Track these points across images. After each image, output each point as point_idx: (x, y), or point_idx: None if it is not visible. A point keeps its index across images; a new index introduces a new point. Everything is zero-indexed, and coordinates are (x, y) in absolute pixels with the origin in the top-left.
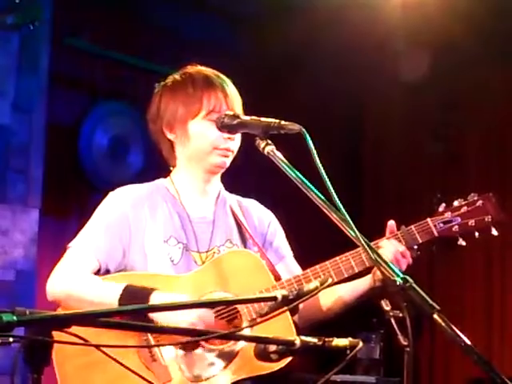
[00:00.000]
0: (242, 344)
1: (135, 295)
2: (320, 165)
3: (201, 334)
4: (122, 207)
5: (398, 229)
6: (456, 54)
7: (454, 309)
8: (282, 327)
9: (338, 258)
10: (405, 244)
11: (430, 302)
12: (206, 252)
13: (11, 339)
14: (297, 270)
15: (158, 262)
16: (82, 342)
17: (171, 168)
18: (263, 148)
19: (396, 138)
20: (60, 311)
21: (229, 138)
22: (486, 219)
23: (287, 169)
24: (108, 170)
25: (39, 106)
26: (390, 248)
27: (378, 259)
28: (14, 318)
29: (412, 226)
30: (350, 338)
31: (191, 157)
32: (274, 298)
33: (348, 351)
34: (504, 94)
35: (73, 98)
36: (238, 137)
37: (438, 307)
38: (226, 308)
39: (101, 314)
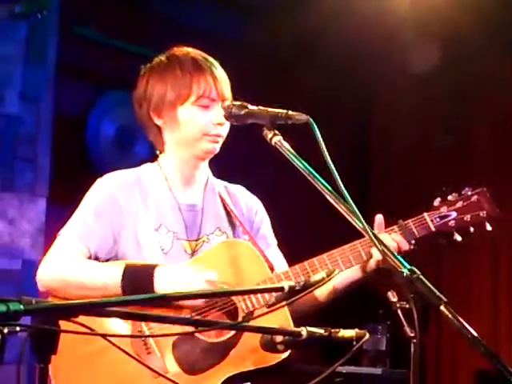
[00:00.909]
0: (240, 336)
1: (138, 274)
2: (328, 156)
3: (208, 324)
4: (112, 192)
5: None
6: (465, 45)
7: (460, 300)
8: (280, 319)
9: (334, 251)
10: (403, 237)
11: (437, 293)
12: (196, 240)
13: (18, 328)
14: (282, 259)
15: (149, 251)
16: (88, 331)
17: (158, 152)
18: (270, 138)
19: (404, 130)
20: (50, 300)
21: (218, 124)
22: (481, 214)
23: (294, 159)
24: (115, 159)
25: (47, 95)
26: (390, 241)
27: (386, 250)
28: (21, 307)
29: (409, 220)
30: (357, 329)
31: (180, 143)
32: (281, 289)
33: (354, 342)
34: None
35: (80, 88)
36: (227, 122)
37: (445, 299)
38: (221, 300)
39: (109, 303)
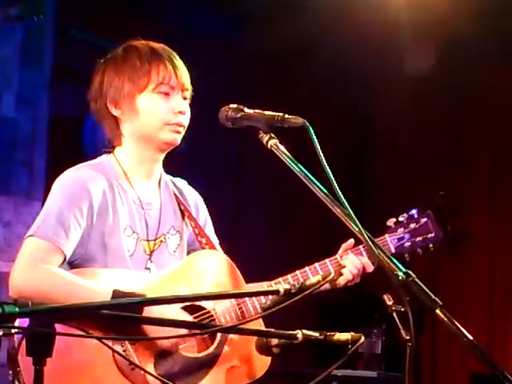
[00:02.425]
0: (222, 350)
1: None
2: (323, 159)
3: (200, 327)
4: (83, 192)
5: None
6: (461, 47)
7: (456, 301)
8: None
9: (305, 268)
10: (368, 257)
11: (433, 296)
12: (154, 240)
13: (13, 330)
14: None
15: (115, 253)
16: (83, 334)
17: (113, 145)
18: (266, 141)
19: (401, 135)
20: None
21: (180, 112)
22: (429, 236)
23: (290, 162)
24: None
25: (43, 98)
26: (353, 262)
27: (381, 254)
28: (17, 309)
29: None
30: (352, 333)
31: (140, 134)
32: (277, 292)
33: (349, 345)
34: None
35: (77, 91)
36: (188, 111)
37: (440, 302)
38: (200, 313)
39: (103, 305)
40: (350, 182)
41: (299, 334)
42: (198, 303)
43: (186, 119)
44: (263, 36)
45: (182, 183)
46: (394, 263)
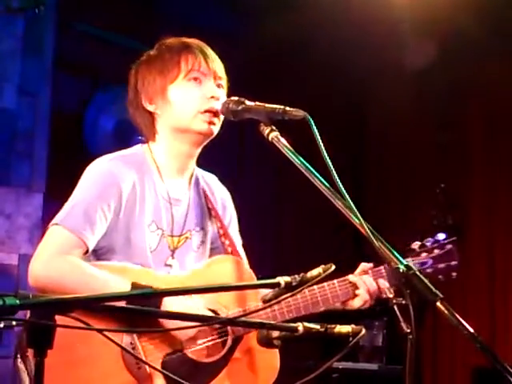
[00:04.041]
0: (231, 357)
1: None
2: (325, 151)
3: (204, 320)
4: (116, 184)
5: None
6: (461, 41)
7: (457, 294)
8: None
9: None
10: (387, 280)
11: (434, 289)
12: (179, 236)
13: (14, 323)
14: (245, 260)
15: (137, 248)
16: (84, 326)
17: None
18: (267, 134)
19: (400, 127)
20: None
21: (212, 98)
22: (453, 263)
23: (291, 155)
24: None
25: (44, 90)
26: (368, 285)
27: (382, 246)
28: (17, 301)
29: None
30: (353, 325)
31: (174, 126)
32: (277, 285)
33: (350, 338)
34: (510, 83)
35: (78, 82)
36: (222, 98)
37: (441, 295)
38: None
39: (104, 298)
40: (347, 176)
41: (300, 326)
42: (214, 309)
43: (218, 105)
44: (262, 32)
45: (211, 179)
46: (395, 256)
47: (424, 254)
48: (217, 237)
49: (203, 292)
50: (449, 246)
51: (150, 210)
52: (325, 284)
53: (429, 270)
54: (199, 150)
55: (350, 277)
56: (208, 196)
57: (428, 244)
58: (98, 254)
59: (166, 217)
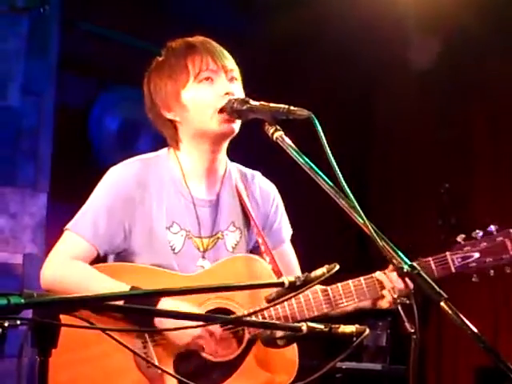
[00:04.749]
0: (245, 357)
1: (141, 301)
2: (329, 151)
3: (206, 318)
4: (128, 189)
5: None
6: (465, 39)
7: (460, 295)
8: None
9: (342, 283)
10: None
11: (438, 289)
12: (210, 237)
13: (19, 322)
14: (292, 257)
15: (159, 250)
16: (88, 325)
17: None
18: (272, 133)
19: (405, 126)
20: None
21: (226, 94)
22: (504, 257)
23: (296, 154)
24: (117, 154)
25: (49, 89)
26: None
27: (386, 246)
28: (22, 300)
29: (430, 259)
30: (357, 325)
31: (195, 131)
32: (281, 284)
33: (354, 338)
34: None
35: (83, 82)
36: (238, 91)
37: (445, 295)
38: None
39: (108, 297)
40: (353, 175)
41: (304, 326)
42: (230, 309)
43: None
44: (269, 30)
45: (252, 175)
46: (400, 256)
47: (467, 248)
48: (254, 236)
49: (202, 292)
50: (499, 238)
51: (170, 211)
52: (349, 281)
53: (472, 265)
54: (224, 148)
55: (377, 274)
56: (241, 195)
57: (475, 236)
58: (120, 256)
59: (189, 218)
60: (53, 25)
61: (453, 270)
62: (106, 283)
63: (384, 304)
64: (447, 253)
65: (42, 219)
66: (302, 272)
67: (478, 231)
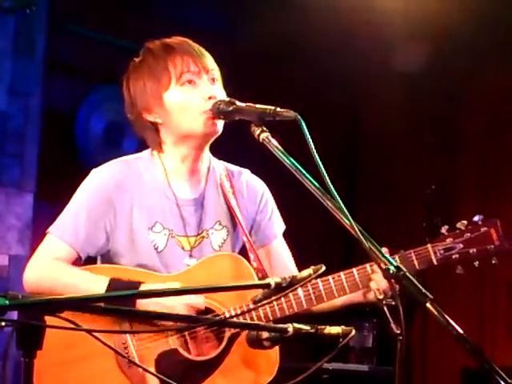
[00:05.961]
0: (226, 355)
1: (121, 289)
2: (315, 152)
3: (192, 321)
4: (107, 190)
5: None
6: (454, 42)
7: (445, 296)
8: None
9: (331, 276)
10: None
11: (423, 290)
12: (196, 236)
13: (3, 323)
14: (285, 252)
15: (142, 250)
16: (73, 326)
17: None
18: (258, 135)
19: (392, 128)
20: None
21: (210, 98)
22: (489, 248)
23: (282, 156)
24: (103, 154)
25: (35, 90)
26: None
27: (372, 247)
28: (7, 302)
29: (411, 251)
30: (343, 326)
31: (179, 133)
32: (268, 286)
33: (340, 339)
34: (502, 84)
35: (69, 83)
36: (220, 93)
37: (431, 296)
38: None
39: (92, 298)
40: (340, 176)
41: (290, 327)
42: (211, 308)
43: None
44: (254, 33)
45: (238, 173)
46: (385, 257)
47: (450, 239)
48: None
49: (185, 293)
50: (484, 229)
51: (152, 212)
52: (329, 277)
53: (455, 257)
54: (207, 147)
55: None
56: (226, 193)
57: (460, 226)
58: (105, 257)
59: (172, 217)
60: (39, 26)
61: (435, 262)
62: (89, 280)
63: (371, 296)
64: (429, 245)
65: (28, 220)
66: (296, 265)
67: (463, 222)
